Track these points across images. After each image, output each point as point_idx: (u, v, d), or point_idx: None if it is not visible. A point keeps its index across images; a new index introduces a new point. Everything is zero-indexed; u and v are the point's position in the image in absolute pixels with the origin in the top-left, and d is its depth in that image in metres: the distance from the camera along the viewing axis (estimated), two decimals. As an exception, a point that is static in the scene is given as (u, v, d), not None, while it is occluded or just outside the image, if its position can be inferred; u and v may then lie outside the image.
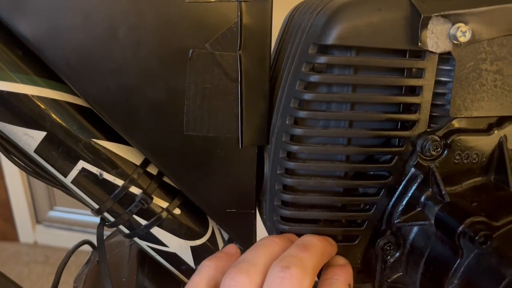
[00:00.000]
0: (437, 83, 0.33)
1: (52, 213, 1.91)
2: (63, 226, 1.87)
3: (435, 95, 0.33)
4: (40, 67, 0.35)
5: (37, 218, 1.91)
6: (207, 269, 0.31)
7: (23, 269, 1.77)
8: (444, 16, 0.30)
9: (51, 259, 1.82)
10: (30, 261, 1.82)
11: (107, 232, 0.45)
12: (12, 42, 0.34)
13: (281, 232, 0.36)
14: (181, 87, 0.35)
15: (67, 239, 1.81)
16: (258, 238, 0.36)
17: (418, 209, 0.34)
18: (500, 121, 0.34)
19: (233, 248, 0.34)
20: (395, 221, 0.35)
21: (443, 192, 0.33)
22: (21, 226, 1.89)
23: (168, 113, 0.35)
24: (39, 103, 0.35)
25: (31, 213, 1.87)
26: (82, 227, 1.84)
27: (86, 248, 0.51)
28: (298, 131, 0.33)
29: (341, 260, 0.34)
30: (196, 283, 0.31)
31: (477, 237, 0.28)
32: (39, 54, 0.33)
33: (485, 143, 0.34)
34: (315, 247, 0.31)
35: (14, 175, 1.79)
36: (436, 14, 0.30)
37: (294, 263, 0.28)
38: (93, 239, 0.45)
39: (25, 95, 0.35)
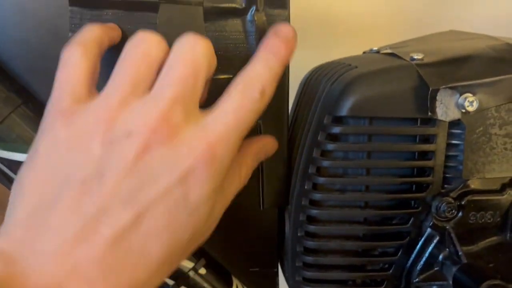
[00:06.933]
0: (449, 145, 0.34)
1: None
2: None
3: (448, 157, 0.34)
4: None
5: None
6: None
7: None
8: (451, 88, 0.32)
9: None
10: None
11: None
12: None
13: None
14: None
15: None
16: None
17: (436, 268, 0.35)
18: (513, 181, 0.35)
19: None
20: (414, 280, 0.36)
21: (460, 253, 0.33)
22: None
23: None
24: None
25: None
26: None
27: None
28: (317, 196, 0.35)
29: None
30: None
31: (494, 301, 0.29)
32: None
33: (499, 203, 0.35)
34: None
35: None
36: (444, 86, 0.32)
37: None
38: None
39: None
